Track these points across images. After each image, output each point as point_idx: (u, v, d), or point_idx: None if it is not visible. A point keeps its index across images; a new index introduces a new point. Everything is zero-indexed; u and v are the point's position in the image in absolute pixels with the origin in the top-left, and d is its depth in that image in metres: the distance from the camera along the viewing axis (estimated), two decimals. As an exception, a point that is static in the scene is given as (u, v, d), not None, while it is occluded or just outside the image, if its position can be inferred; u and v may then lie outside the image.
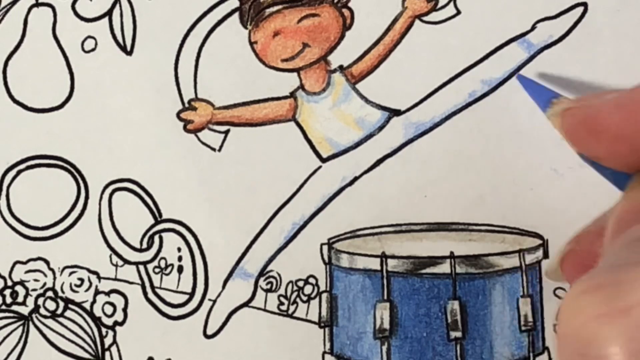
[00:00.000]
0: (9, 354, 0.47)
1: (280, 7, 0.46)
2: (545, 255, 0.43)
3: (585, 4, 0.44)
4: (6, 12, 0.48)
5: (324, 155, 0.46)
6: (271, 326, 0.46)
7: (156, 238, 0.47)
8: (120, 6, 0.47)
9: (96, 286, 0.47)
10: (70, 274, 0.47)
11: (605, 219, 0.28)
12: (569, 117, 0.27)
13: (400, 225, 0.45)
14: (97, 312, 0.47)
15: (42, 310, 0.47)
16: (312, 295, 0.45)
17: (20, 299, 0.47)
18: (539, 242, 0.43)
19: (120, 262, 0.47)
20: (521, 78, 0.43)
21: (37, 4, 0.48)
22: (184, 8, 0.47)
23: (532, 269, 0.43)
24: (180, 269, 0.46)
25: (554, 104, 0.31)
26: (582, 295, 0.21)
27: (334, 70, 0.46)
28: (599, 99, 0.27)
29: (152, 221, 0.47)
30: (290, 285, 0.46)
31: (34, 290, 0.47)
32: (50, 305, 0.47)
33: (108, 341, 0.47)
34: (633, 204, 0.23)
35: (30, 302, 0.47)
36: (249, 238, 0.46)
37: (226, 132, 0.46)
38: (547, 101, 0.33)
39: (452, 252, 0.42)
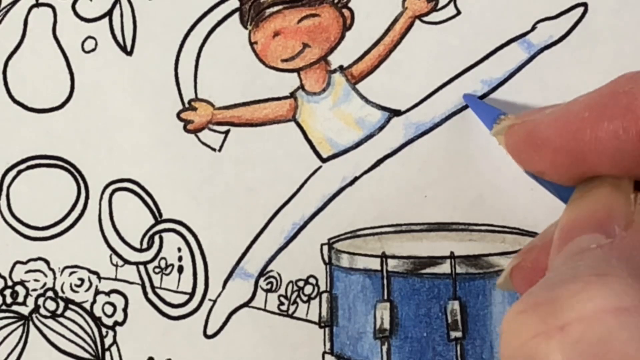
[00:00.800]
0: (9, 354, 0.47)
1: (280, 7, 0.46)
2: (545, 255, 0.43)
3: (585, 5, 0.44)
4: (6, 12, 0.48)
5: (324, 156, 0.46)
6: (271, 326, 0.46)
7: (156, 238, 0.47)
8: (121, 6, 0.47)
9: (96, 286, 0.47)
10: (71, 274, 0.47)
11: (549, 233, 0.28)
12: (512, 134, 0.28)
13: (401, 225, 0.45)
14: (97, 312, 0.47)
15: (42, 310, 0.47)
16: (312, 295, 0.45)
17: (20, 299, 0.47)
18: (539, 242, 0.43)
19: (120, 262, 0.47)
20: (467, 98, 0.43)
21: (37, 4, 0.48)
22: (184, 8, 0.47)
23: (532, 269, 0.43)
24: (180, 269, 0.46)
25: (499, 121, 0.31)
26: (520, 315, 0.22)
27: (334, 71, 0.46)
28: (538, 113, 0.27)
29: (152, 221, 0.47)
30: (290, 285, 0.46)
31: (34, 290, 0.47)
32: (51, 305, 0.47)
33: (108, 341, 0.47)
34: (574, 217, 0.23)
35: (30, 302, 0.47)
36: (249, 238, 0.46)
37: (226, 132, 0.46)
38: (493, 120, 0.33)
39: (452, 252, 0.42)
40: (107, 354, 0.47)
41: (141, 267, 0.47)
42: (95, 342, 0.47)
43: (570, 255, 0.22)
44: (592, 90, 0.25)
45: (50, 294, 0.47)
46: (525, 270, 0.29)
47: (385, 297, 0.43)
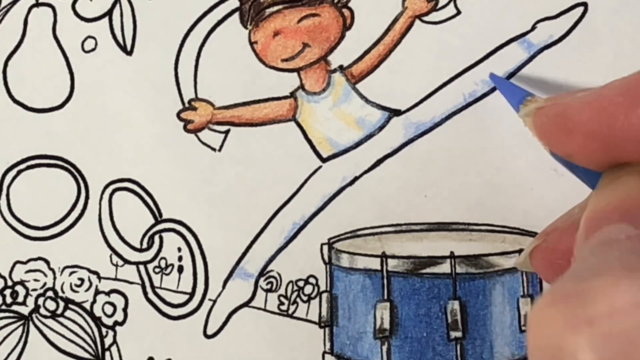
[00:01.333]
0: (9, 354, 0.47)
1: (280, 7, 0.46)
2: (546, 255, 0.43)
3: (585, 4, 0.44)
4: (6, 12, 0.48)
5: (324, 155, 0.46)
6: (271, 326, 0.46)
7: (156, 238, 0.47)
8: (121, 6, 0.47)
9: (96, 286, 0.47)
10: (71, 273, 0.47)
11: (572, 215, 0.28)
12: (541, 115, 0.27)
13: (401, 225, 0.45)
14: (97, 312, 0.47)
15: (42, 310, 0.47)
16: (312, 295, 0.45)
17: (20, 298, 0.47)
18: (539, 242, 0.43)
19: (120, 262, 0.47)
20: (494, 77, 0.43)
21: (37, 4, 0.48)
22: (184, 8, 0.47)
23: (532, 269, 0.43)
24: (180, 269, 0.46)
25: (526, 103, 0.30)
26: (548, 308, 0.22)
27: (334, 70, 0.46)
28: (570, 97, 0.26)
29: (152, 221, 0.47)
30: (290, 285, 0.46)
31: (34, 290, 0.47)
32: (51, 305, 0.47)
33: (108, 341, 0.47)
34: (602, 205, 0.23)
35: (30, 302, 0.47)
36: (249, 238, 0.46)
37: (226, 132, 0.46)
38: (519, 100, 0.33)
39: (452, 252, 0.42)
40: (107, 354, 0.47)
41: (141, 267, 0.47)
42: (95, 342, 0.47)
43: (599, 246, 0.22)
44: (627, 75, 0.24)
45: (50, 293, 0.47)
46: (547, 251, 0.29)
47: (385, 297, 0.43)
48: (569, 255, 0.24)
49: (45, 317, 0.47)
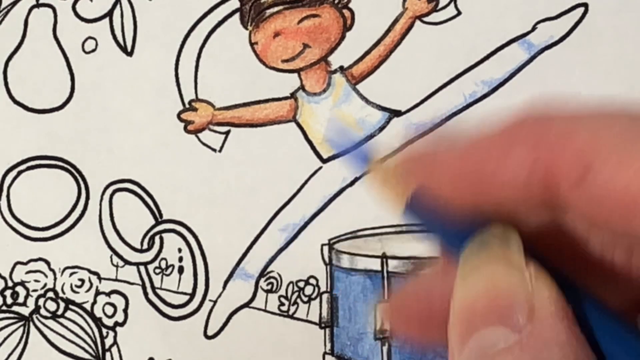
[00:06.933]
0: (9, 355, 0.47)
1: (280, 7, 0.46)
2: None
3: (585, 5, 0.44)
4: (7, 12, 0.48)
5: (325, 156, 0.46)
6: (272, 327, 0.45)
7: (157, 239, 0.47)
8: (121, 7, 0.47)
9: (97, 287, 0.47)
10: (71, 274, 0.47)
11: (424, 283, 0.26)
12: (406, 162, 0.25)
13: (401, 225, 0.45)
14: (98, 312, 0.47)
15: (42, 311, 0.47)
16: (313, 296, 0.45)
17: (20, 299, 0.47)
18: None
19: (120, 263, 0.47)
20: (330, 141, 0.41)
21: (37, 5, 0.48)
22: (184, 9, 0.47)
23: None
24: (180, 270, 0.46)
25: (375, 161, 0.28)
26: None
27: (335, 71, 0.46)
28: (440, 140, 0.25)
29: (152, 222, 0.47)
30: (290, 285, 0.46)
31: (35, 290, 0.47)
32: (51, 305, 0.47)
33: (109, 342, 0.47)
34: (471, 298, 0.21)
35: (30, 302, 0.47)
36: (249, 239, 0.46)
37: (227, 133, 0.46)
38: (364, 159, 0.30)
39: (452, 253, 0.42)
40: (108, 354, 0.47)
41: (142, 268, 0.47)
42: (95, 343, 0.47)
43: (478, 358, 0.21)
44: (503, 117, 0.23)
45: (50, 294, 0.47)
46: (401, 312, 0.27)
47: (386, 297, 0.43)
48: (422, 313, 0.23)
49: (45, 317, 0.47)
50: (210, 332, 0.46)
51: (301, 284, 0.45)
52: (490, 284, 0.21)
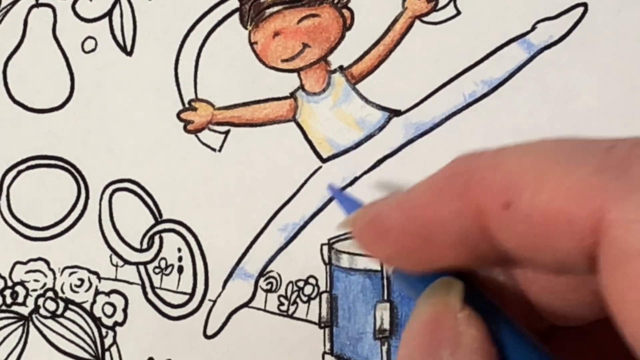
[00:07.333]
0: (9, 355, 0.47)
1: (280, 7, 0.46)
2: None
3: (585, 5, 0.44)
4: (6, 12, 0.48)
5: (324, 156, 0.46)
6: (271, 326, 0.46)
7: (156, 238, 0.47)
8: (121, 6, 0.47)
9: (96, 286, 0.47)
10: (71, 274, 0.47)
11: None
12: (356, 221, 0.27)
13: (401, 225, 0.45)
14: (97, 312, 0.47)
15: (42, 311, 0.47)
16: (312, 296, 0.45)
17: (20, 299, 0.47)
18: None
19: (120, 263, 0.47)
20: (331, 188, 0.41)
21: (37, 5, 0.48)
22: (184, 8, 0.47)
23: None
24: (180, 269, 0.46)
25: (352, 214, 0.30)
26: None
27: (334, 71, 0.46)
28: (383, 200, 0.26)
29: (152, 221, 0.47)
30: (290, 285, 0.46)
31: (34, 290, 0.47)
32: (51, 305, 0.47)
33: (108, 341, 0.47)
34: (410, 337, 0.23)
35: (30, 302, 0.47)
36: (249, 238, 0.46)
37: (226, 133, 0.46)
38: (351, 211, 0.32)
39: (452, 253, 0.42)
40: (107, 354, 0.47)
41: (141, 268, 0.47)
42: (95, 343, 0.47)
43: None
44: (433, 173, 0.24)
45: (50, 294, 0.47)
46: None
47: (385, 297, 0.43)
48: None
49: (45, 317, 0.47)
50: (209, 332, 0.46)
51: (301, 284, 0.45)
52: (428, 325, 0.23)
